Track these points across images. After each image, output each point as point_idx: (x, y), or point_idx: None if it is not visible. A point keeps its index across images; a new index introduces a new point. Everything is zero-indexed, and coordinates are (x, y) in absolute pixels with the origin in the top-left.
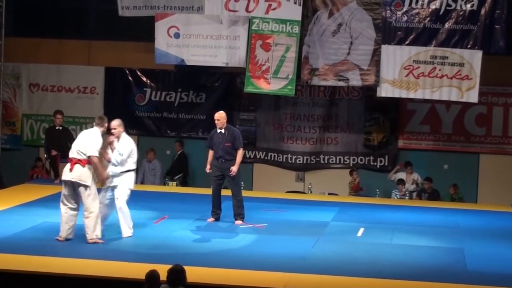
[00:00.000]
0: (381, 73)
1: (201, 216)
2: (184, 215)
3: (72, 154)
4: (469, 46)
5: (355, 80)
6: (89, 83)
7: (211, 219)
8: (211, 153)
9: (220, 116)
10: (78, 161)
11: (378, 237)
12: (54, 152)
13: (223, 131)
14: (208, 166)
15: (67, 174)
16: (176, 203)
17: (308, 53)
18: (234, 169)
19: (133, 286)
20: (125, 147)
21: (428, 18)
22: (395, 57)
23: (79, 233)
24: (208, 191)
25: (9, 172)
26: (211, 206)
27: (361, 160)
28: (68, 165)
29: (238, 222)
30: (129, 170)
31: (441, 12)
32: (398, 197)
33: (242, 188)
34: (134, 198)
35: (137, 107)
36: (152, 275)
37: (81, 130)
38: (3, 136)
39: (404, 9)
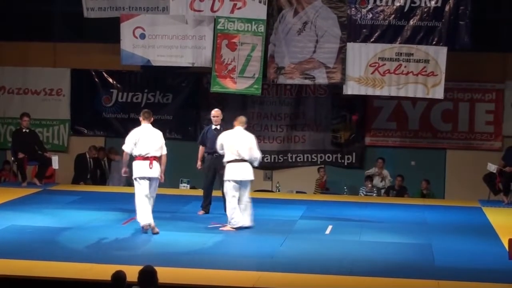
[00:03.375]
0: (347, 70)
1: (170, 216)
2: (152, 216)
3: (151, 153)
4: (434, 42)
5: (321, 78)
6: (56, 85)
7: (201, 212)
8: (202, 149)
9: (219, 113)
10: (156, 158)
11: (346, 234)
12: (21, 155)
13: (218, 127)
14: (199, 162)
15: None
16: None
17: (274, 52)
18: None
19: (100, 287)
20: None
21: (393, 15)
22: (360, 54)
23: (47, 236)
24: (175, 191)
25: None
26: (203, 200)
27: (328, 157)
28: (143, 163)
29: None
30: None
31: (405, 9)
32: (365, 193)
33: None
34: (102, 200)
35: (104, 109)
36: (118, 276)
37: (48, 132)
38: None
39: (369, 7)
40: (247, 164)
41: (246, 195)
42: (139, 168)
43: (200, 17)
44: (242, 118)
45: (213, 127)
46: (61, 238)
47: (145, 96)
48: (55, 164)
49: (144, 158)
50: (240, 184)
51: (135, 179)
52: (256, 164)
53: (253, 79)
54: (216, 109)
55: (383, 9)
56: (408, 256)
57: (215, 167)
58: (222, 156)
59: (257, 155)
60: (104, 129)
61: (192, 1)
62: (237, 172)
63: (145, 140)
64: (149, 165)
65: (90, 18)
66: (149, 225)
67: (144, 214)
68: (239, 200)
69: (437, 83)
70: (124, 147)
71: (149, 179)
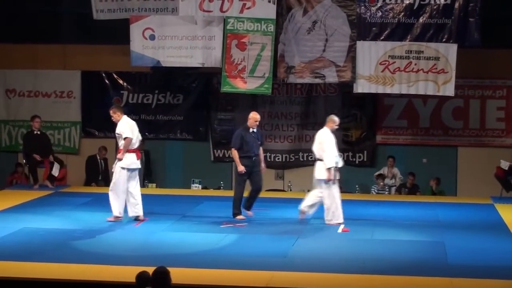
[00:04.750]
0: (357, 69)
1: (182, 216)
2: (164, 216)
3: (136, 144)
4: (444, 39)
5: (331, 77)
6: (66, 87)
7: (242, 217)
8: (237, 152)
9: (259, 117)
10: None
11: (358, 232)
12: (38, 157)
13: (255, 130)
14: (242, 167)
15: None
16: (155, 205)
17: (284, 51)
18: (264, 165)
19: None
20: None
21: (403, 13)
22: (370, 52)
23: (59, 238)
24: (187, 192)
25: None
26: (240, 205)
27: (339, 156)
28: (134, 155)
29: (251, 213)
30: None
31: (415, 7)
32: (376, 191)
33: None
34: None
35: None
36: (143, 277)
37: (59, 134)
38: None
39: (378, 5)
40: (317, 163)
41: (315, 192)
42: (132, 160)
43: (209, 18)
44: (329, 118)
45: (251, 130)
46: (73, 240)
47: (156, 97)
48: (55, 171)
49: (133, 150)
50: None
51: (124, 169)
52: (327, 164)
53: (263, 79)
54: (256, 112)
55: (393, 7)
56: (421, 254)
57: (251, 170)
58: (257, 157)
59: (324, 155)
60: (115, 131)
61: (201, 2)
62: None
63: (134, 133)
64: (137, 157)
65: (99, 19)
66: (118, 218)
67: (120, 206)
68: None
69: (447, 80)
70: (128, 134)
71: (136, 170)
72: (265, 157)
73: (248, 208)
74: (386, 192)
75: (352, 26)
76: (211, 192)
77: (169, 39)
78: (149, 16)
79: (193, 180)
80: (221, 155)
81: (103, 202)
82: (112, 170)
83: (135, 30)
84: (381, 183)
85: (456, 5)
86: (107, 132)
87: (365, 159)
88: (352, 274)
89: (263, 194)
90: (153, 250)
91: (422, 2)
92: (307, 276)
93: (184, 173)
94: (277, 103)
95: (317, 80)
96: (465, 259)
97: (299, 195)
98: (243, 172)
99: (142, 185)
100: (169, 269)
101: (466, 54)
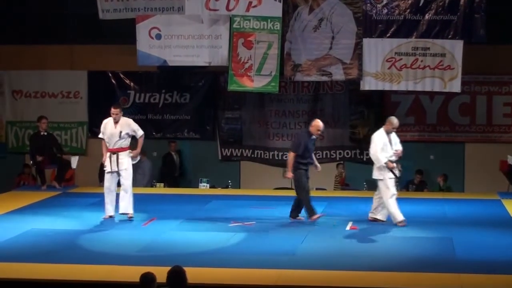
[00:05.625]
0: (364, 66)
1: (190, 216)
2: (173, 216)
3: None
4: (450, 36)
5: (338, 74)
6: (73, 87)
7: (318, 216)
8: (297, 158)
9: (322, 125)
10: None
11: (366, 230)
12: (39, 158)
13: (314, 137)
14: (291, 174)
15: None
16: (164, 205)
17: (290, 49)
18: (318, 165)
19: None
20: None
21: (408, 10)
22: (377, 50)
23: (67, 239)
24: (195, 191)
25: None
26: (311, 205)
27: (347, 153)
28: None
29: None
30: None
31: (421, 4)
32: None
33: None
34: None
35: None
36: (148, 278)
37: (66, 135)
38: None
39: (384, 2)
40: (374, 164)
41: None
42: None
43: (215, 16)
44: (388, 119)
45: (313, 137)
46: (81, 241)
47: (163, 97)
48: (73, 163)
49: None
50: None
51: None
52: (376, 163)
53: (270, 77)
54: (320, 121)
55: (398, 4)
56: (429, 250)
57: (306, 176)
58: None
59: (371, 156)
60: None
61: (207, 1)
62: None
63: None
64: None
65: (105, 19)
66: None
67: None
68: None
69: (454, 77)
70: (142, 131)
71: None
72: (273, 155)
73: (296, 216)
74: None
75: (358, 24)
76: (219, 191)
77: (175, 38)
78: (155, 16)
79: (201, 179)
80: (228, 154)
81: None
82: (122, 168)
83: (141, 30)
84: None
85: (462, 1)
86: None
87: None
88: (360, 271)
89: (270, 193)
90: (162, 250)
91: None
92: (315, 274)
93: (192, 172)
94: (284, 101)
95: (324, 78)
96: (473, 254)
97: None
98: (290, 177)
99: (151, 185)
100: None
101: (472, 50)
